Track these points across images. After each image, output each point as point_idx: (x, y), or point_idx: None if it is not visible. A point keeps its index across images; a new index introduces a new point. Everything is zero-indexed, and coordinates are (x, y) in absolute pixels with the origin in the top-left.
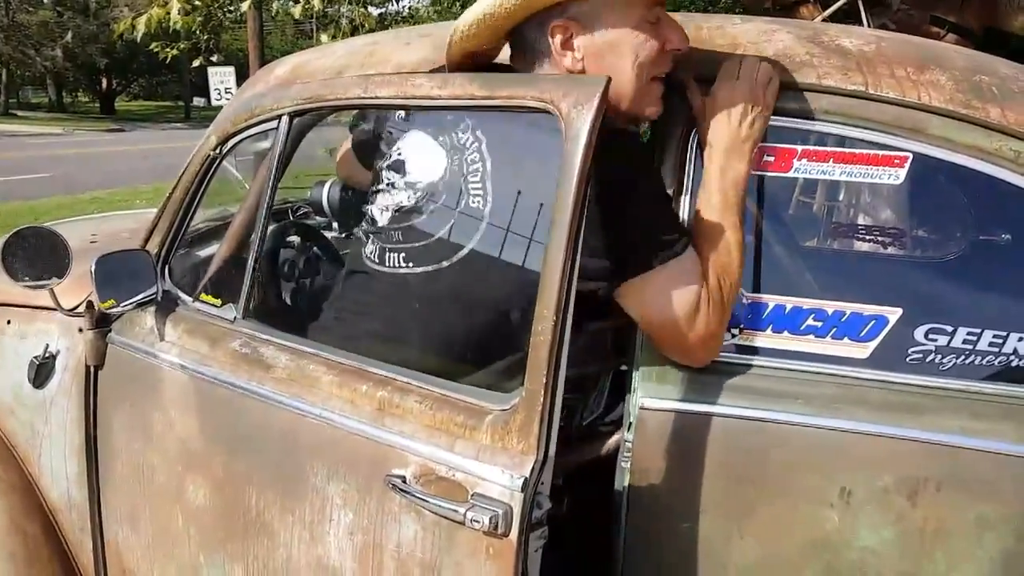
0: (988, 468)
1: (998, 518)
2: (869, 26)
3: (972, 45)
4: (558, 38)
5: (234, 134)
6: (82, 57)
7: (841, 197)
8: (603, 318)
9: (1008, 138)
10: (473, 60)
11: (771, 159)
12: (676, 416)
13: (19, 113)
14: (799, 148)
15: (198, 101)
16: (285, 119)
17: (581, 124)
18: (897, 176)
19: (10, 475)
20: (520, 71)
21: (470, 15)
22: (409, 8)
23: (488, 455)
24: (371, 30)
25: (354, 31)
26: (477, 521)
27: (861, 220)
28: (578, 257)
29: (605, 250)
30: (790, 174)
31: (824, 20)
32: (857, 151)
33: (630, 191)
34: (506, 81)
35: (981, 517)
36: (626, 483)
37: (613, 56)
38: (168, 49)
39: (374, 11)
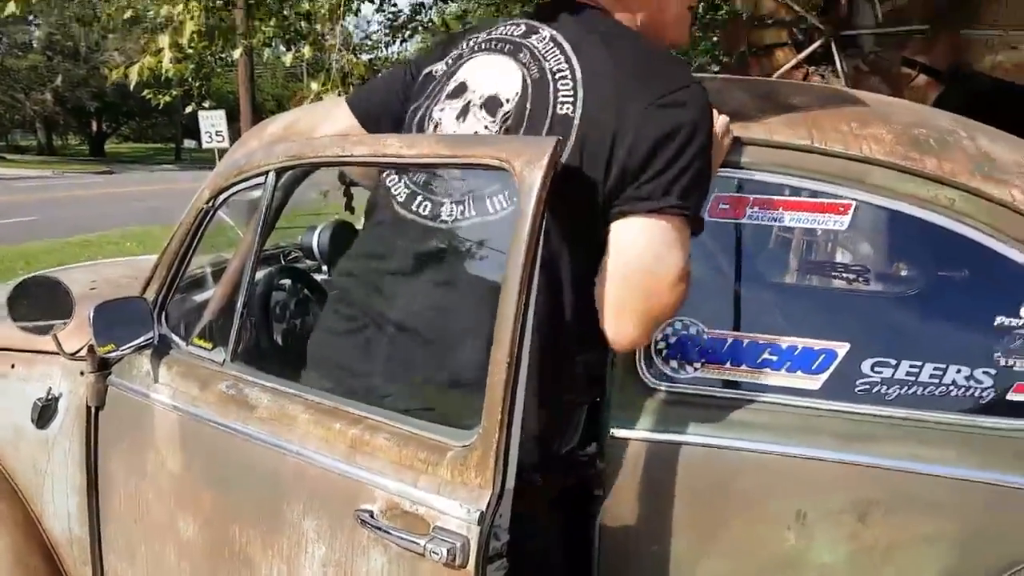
0: (932, 490)
1: (943, 536)
2: (843, 67)
3: (941, 84)
4: None
5: (226, 188)
6: (72, 101)
7: (791, 242)
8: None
9: (943, 187)
10: None
11: (727, 207)
12: (644, 444)
13: (8, 156)
14: (751, 197)
15: (188, 143)
16: (272, 174)
17: (533, 180)
18: (842, 222)
19: (14, 511)
20: None
21: None
22: (398, 54)
23: (448, 490)
24: (361, 77)
25: (344, 78)
26: (436, 553)
27: (810, 262)
28: (532, 304)
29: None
30: (743, 220)
31: (799, 63)
32: (804, 199)
33: (697, 134)
34: (467, 142)
35: (927, 536)
36: (600, 509)
37: None
38: (160, 96)
39: (365, 57)
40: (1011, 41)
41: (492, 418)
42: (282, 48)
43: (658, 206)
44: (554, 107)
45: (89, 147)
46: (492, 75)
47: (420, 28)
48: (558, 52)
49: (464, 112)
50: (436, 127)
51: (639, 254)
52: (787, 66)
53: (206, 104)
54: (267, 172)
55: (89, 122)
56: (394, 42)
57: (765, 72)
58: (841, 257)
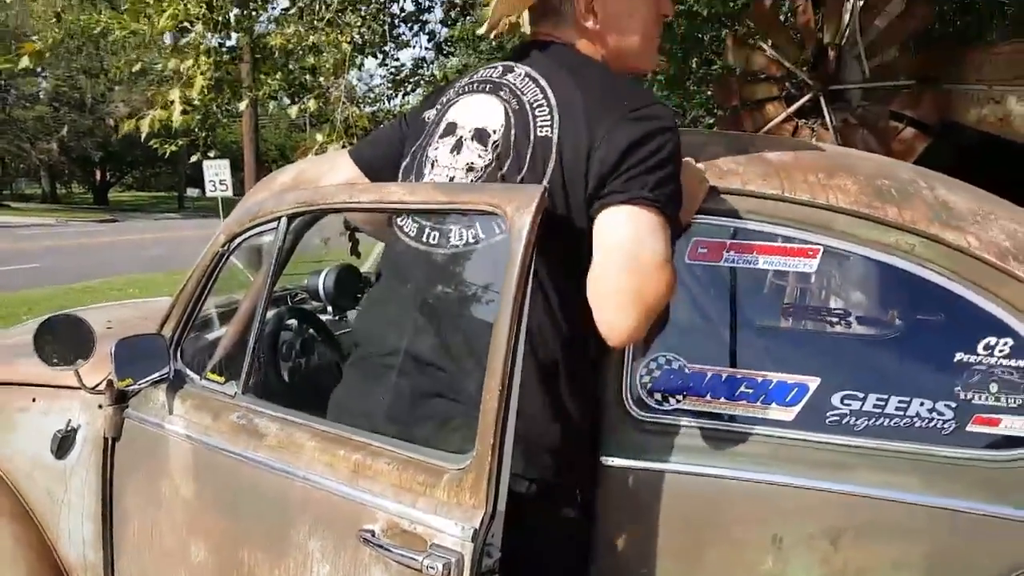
0: (898, 515)
1: (909, 560)
2: (831, 121)
3: (929, 137)
4: (581, 4)
5: (240, 233)
6: (77, 150)
7: (764, 283)
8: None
9: (904, 233)
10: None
11: (705, 251)
12: (630, 473)
13: (12, 204)
14: (728, 242)
15: (192, 192)
16: (284, 220)
17: (522, 224)
18: (811, 265)
19: (29, 534)
20: (542, 33)
21: None
22: (400, 107)
23: (445, 510)
24: (364, 128)
25: (347, 129)
26: (432, 568)
27: (784, 303)
28: (522, 338)
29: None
30: (721, 263)
31: (789, 116)
32: (776, 244)
33: (667, 142)
34: (463, 189)
35: (894, 560)
36: (593, 534)
37: (626, 20)
38: (167, 146)
39: (368, 109)
40: (995, 96)
41: (485, 442)
42: (286, 100)
43: (633, 196)
44: (535, 131)
45: (93, 196)
46: (478, 111)
47: (422, 82)
48: (533, 85)
49: (458, 146)
50: (433, 164)
51: (620, 240)
52: (777, 119)
53: (211, 154)
54: (279, 218)
55: (93, 171)
56: (396, 95)
57: (757, 125)
58: (812, 298)
